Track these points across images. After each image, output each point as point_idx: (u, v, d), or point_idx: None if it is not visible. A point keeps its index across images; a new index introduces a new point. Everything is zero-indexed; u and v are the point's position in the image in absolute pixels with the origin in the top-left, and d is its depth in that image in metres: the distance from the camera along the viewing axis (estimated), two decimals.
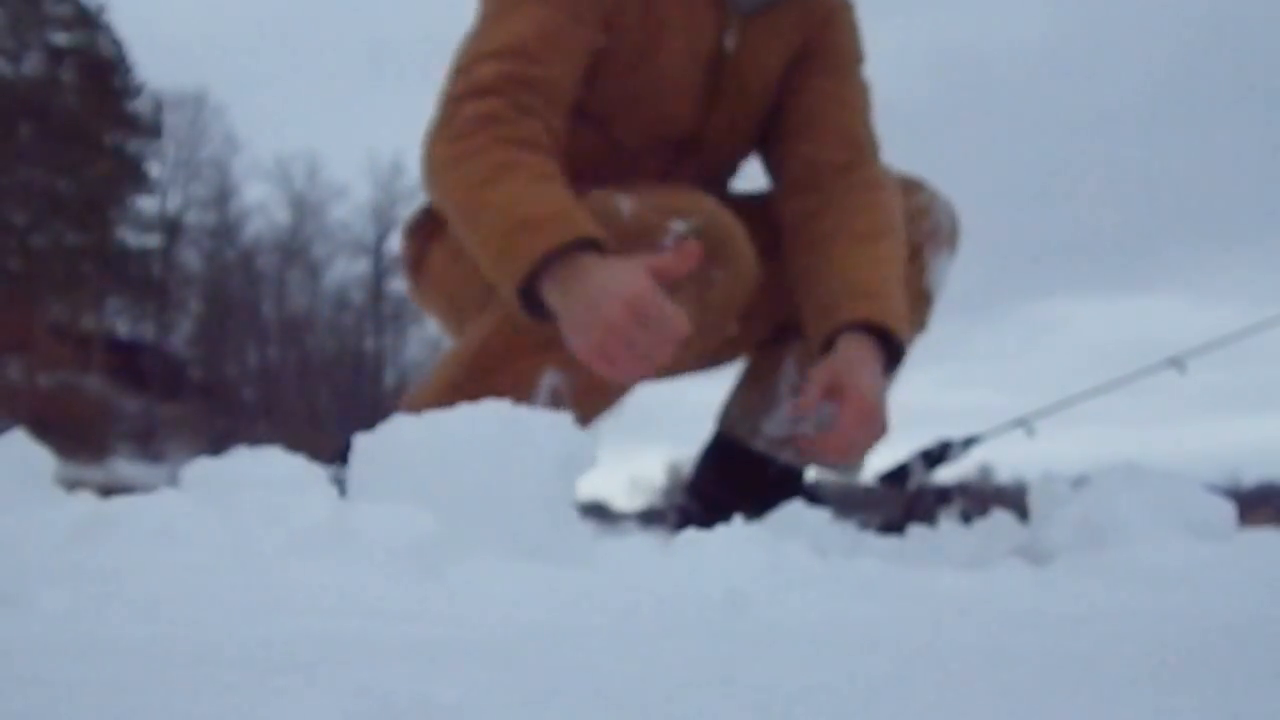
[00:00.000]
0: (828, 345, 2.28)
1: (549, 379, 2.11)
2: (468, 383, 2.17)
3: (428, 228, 2.58)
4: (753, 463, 2.62)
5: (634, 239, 2.12)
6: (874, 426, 2.18)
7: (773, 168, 2.56)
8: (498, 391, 2.06)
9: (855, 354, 2.22)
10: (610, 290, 1.95)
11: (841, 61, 2.55)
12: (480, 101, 2.19)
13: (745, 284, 2.27)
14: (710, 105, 2.42)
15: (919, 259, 2.51)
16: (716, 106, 2.43)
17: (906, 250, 2.43)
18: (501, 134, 2.15)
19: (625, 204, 2.18)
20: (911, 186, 2.58)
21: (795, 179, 2.51)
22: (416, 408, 2.25)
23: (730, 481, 2.63)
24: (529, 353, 2.13)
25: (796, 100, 2.51)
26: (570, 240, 2.00)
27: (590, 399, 2.15)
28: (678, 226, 2.14)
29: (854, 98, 2.55)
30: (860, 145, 2.51)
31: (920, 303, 2.51)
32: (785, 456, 2.60)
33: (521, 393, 2.10)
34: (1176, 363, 2.73)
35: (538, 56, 2.23)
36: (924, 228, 2.54)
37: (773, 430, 2.61)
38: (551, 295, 2.02)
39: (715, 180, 2.54)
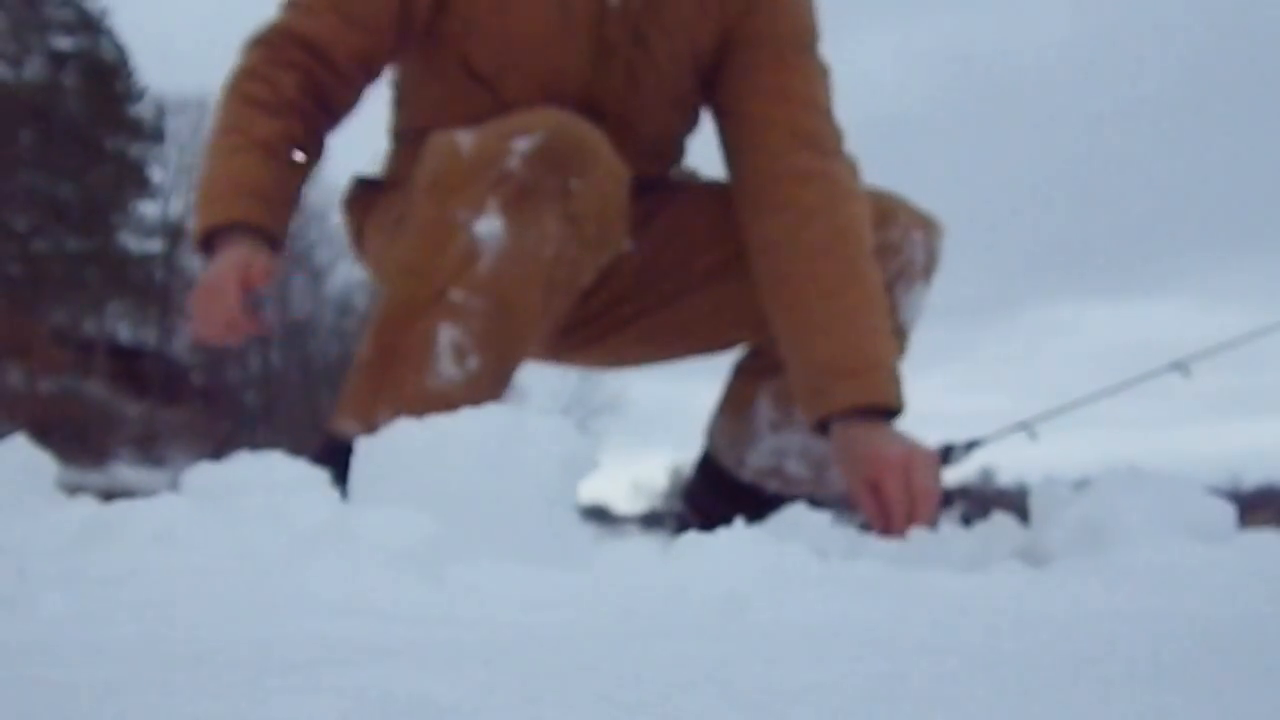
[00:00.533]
0: (822, 425, 2.26)
1: (446, 334, 2.10)
2: (379, 356, 2.16)
3: (364, 200, 2.59)
4: (741, 488, 2.61)
5: (479, 172, 2.11)
6: (919, 486, 2.13)
7: (732, 175, 2.45)
8: (406, 357, 2.11)
9: (862, 437, 2.20)
10: (210, 270, 2.20)
11: (785, 46, 2.39)
12: (252, 51, 2.33)
13: (610, 187, 2.19)
14: (600, 61, 2.32)
15: (890, 297, 2.39)
16: (608, 64, 2.33)
17: (881, 275, 2.33)
18: (244, 91, 2.30)
19: (466, 139, 2.16)
20: (883, 215, 2.44)
21: (754, 193, 2.38)
22: (344, 396, 2.26)
23: (721, 502, 2.61)
24: (422, 313, 2.12)
25: (740, 99, 2.40)
26: (227, 222, 2.22)
27: (489, 351, 2.12)
28: (520, 145, 2.10)
29: (805, 87, 2.40)
30: (818, 143, 2.37)
31: (895, 338, 2.41)
32: (772, 486, 2.57)
33: (425, 352, 2.10)
34: (1180, 366, 2.73)
35: (315, 9, 2.30)
36: (893, 267, 2.42)
37: (757, 462, 2.58)
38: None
39: (649, 159, 2.45)
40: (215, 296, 2.16)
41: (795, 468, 2.55)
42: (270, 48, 2.30)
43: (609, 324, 2.60)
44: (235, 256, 2.19)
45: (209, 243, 2.26)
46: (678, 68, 2.39)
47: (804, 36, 2.42)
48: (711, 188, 2.55)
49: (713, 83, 2.44)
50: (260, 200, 2.24)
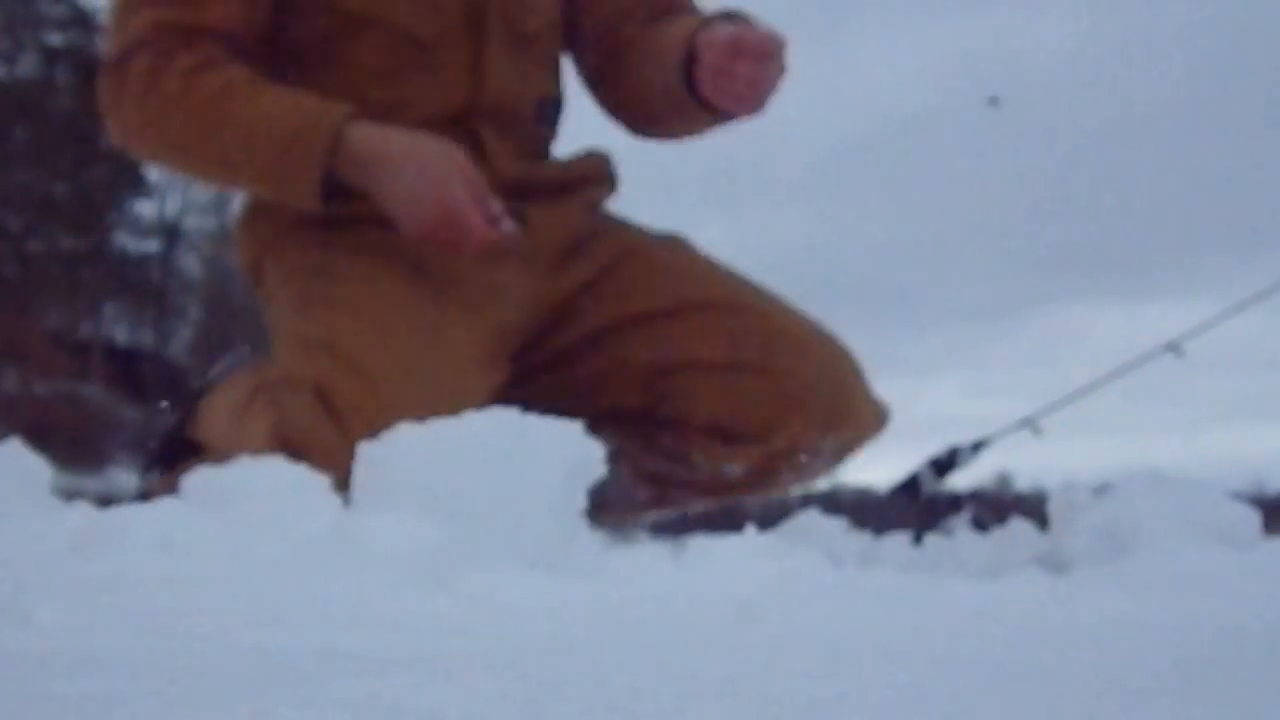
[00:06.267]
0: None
1: None
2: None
3: (262, 231, 2.29)
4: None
5: None
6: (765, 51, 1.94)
7: (578, 52, 2.29)
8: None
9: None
10: (432, 162, 1.89)
11: None
12: (144, 53, 2.03)
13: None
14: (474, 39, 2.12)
15: None
16: None
17: None
18: (184, 66, 1.99)
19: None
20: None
21: (598, 40, 2.25)
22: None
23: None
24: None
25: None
26: (342, 124, 1.91)
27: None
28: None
29: None
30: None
31: None
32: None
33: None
34: (1174, 347, 2.73)
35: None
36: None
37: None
38: (357, 177, 1.94)
39: (539, 66, 2.25)
40: (446, 194, 1.86)
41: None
42: (165, 40, 2.01)
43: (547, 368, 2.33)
44: (433, 149, 1.89)
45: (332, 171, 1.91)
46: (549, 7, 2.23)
47: None
48: (664, 253, 2.35)
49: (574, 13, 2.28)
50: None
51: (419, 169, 1.90)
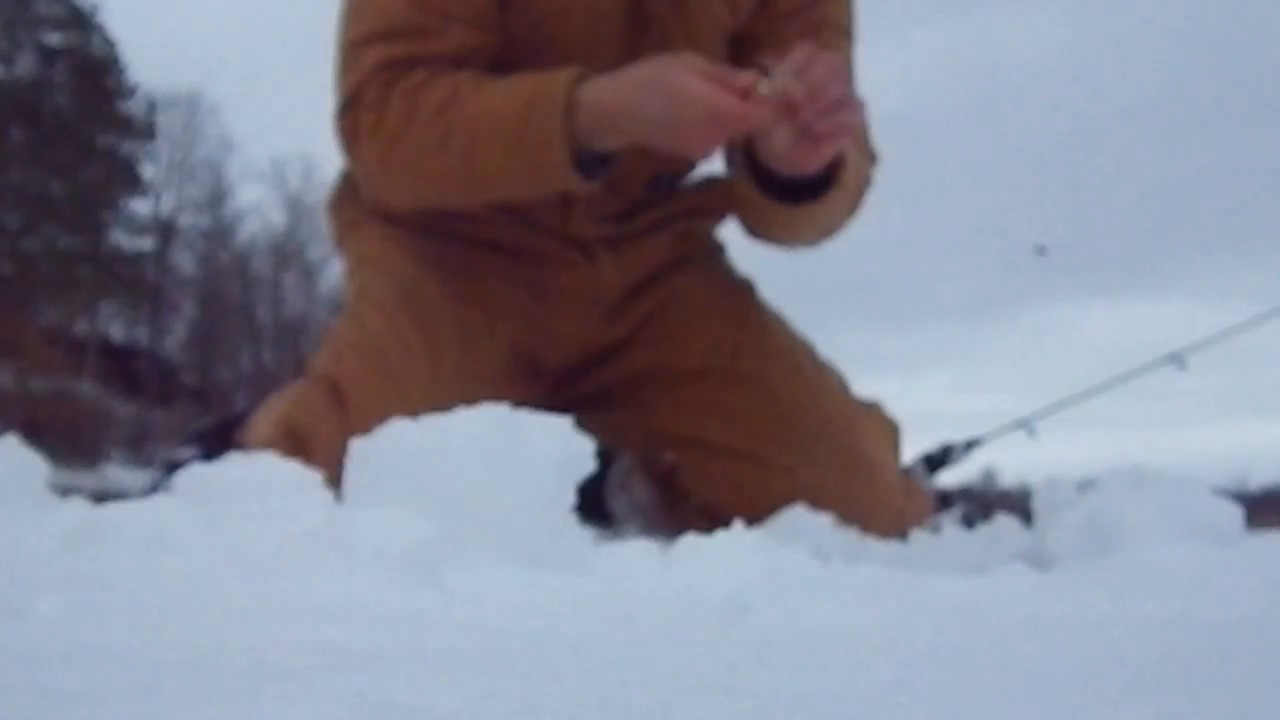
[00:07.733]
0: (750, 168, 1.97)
1: None
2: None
3: (342, 215, 2.36)
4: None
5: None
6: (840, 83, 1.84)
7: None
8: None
9: None
10: (663, 81, 1.82)
11: (823, 23, 2.13)
12: (370, 89, 2.01)
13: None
14: (635, 34, 2.06)
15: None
16: (644, 35, 2.06)
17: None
18: (408, 86, 1.99)
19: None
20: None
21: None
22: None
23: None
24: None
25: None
26: (570, 89, 1.88)
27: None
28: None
29: None
30: None
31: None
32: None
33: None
34: (1176, 359, 2.72)
35: (421, 29, 2.01)
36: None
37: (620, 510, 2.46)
38: (606, 135, 1.91)
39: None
40: (695, 104, 1.78)
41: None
42: (397, 76, 2.00)
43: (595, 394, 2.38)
44: (655, 71, 1.82)
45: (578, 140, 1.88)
46: (714, 36, 2.14)
47: (843, 20, 2.21)
48: (728, 292, 2.37)
49: (740, 54, 2.15)
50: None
51: (651, 94, 1.84)
